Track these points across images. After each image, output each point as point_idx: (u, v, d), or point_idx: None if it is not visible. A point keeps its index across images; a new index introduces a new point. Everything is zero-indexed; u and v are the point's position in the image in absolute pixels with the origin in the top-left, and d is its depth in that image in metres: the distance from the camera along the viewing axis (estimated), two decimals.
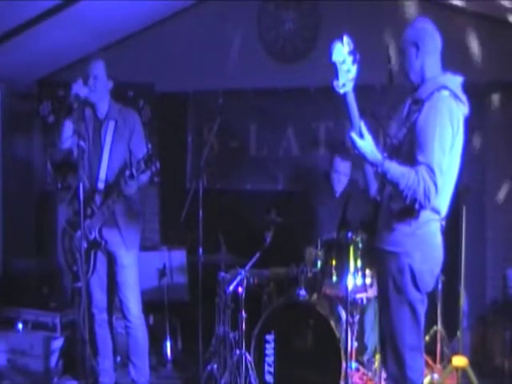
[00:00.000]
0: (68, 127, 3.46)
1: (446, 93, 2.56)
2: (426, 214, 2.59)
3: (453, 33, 4.38)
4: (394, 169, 2.49)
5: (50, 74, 5.26)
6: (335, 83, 2.40)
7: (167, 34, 5.16)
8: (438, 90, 2.56)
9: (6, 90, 5.12)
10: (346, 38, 2.38)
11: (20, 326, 4.41)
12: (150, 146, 3.32)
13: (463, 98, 2.63)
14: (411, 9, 4.51)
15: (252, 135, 5.16)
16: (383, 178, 2.56)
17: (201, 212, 3.81)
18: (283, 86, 4.96)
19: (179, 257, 4.74)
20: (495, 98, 4.47)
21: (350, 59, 2.38)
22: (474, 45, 4.42)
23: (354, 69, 2.40)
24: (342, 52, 2.38)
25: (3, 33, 4.31)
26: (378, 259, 2.76)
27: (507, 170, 4.54)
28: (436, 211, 2.61)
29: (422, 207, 2.50)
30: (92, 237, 3.53)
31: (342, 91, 2.41)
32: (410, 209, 2.55)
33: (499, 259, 4.54)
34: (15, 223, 5.22)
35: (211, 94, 4.92)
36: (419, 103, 2.59)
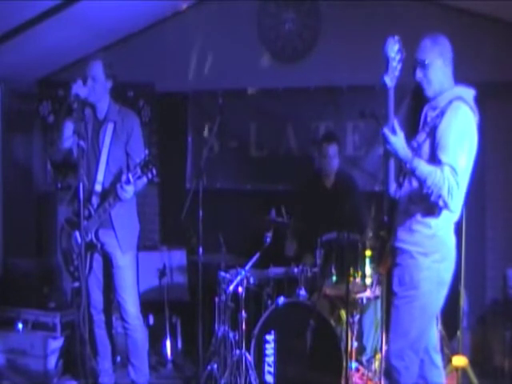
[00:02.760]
0: (68, 127, 3.45)
1: (463, 102, 2.72)
2: (444, 216, 2.74)
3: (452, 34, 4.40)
4: (423, 166, 2.63)
5: (49, 73, 5.26)
6: (385, 77, 2.58)
7: (167, 34, 5.16)
8: (456, 100, 2.73)
9: (5, 90, 5.12)
10: (396, 37, 2.56)
11: (20, 325, 4.41)
12: (148, 151, 3.27)
13: (475, 108, 2.79)
14: (411, 9, 4.51)
15: (252, 135, 5.16)
16: (412, 174, 2.68)
17: (201, 212, 3.81)
18: (283, 86, 4.96)
19: (179, 257, 4.75)
20: (496, 99, 4.46)
21: (397, 57, 2.56)
22: (475, 45, 4.41)
23: (398, 67, 2.58)
24: (394, 49, 2.55)
25: (3, 33, 4.31)
26: (395, 258, 2.87)
27: (507, 170, 4.54)
28: (453, 211, 2.73)
29: (445, 205, 2.63)
30: (88, 239, 3.50)
31: (389, 85, 2.58)
32: (431, 209, 2.71)
33: (499, 259, 4.54)
34: (15, 223, 5.21)
35: (211, 93, 4.92)
36: (438, 110, 2.75)
